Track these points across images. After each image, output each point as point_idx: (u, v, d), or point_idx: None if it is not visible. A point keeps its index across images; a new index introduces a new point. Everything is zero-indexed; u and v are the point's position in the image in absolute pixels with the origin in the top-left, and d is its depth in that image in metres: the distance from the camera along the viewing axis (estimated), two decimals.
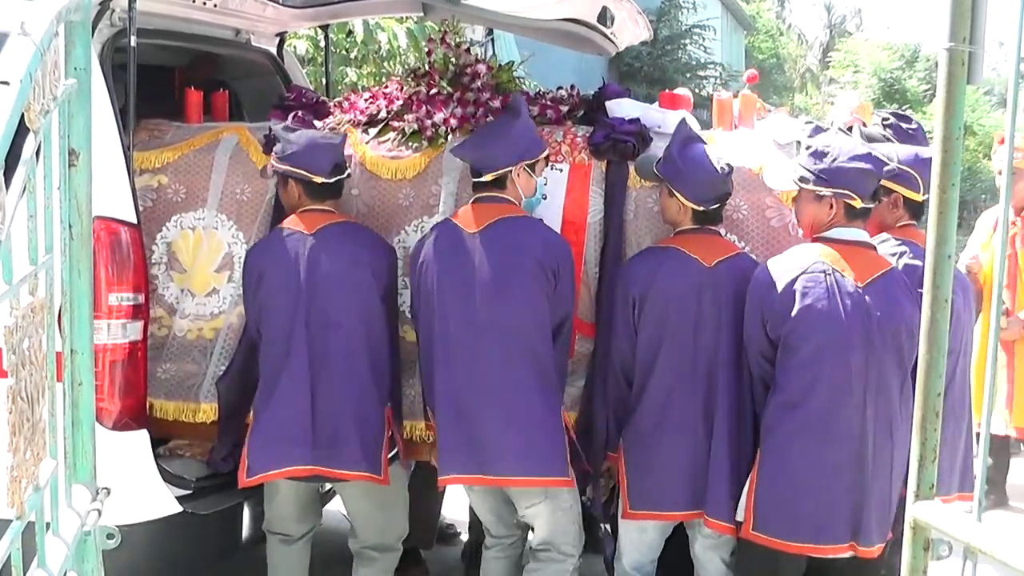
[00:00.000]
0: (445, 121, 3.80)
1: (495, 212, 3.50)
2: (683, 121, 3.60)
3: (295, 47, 6.89)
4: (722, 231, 3.54)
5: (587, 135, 3.76)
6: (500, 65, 4.03)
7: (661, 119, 3.83)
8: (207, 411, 3.83)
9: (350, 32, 8.22)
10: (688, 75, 22.78)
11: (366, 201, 3.88)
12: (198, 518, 3.70)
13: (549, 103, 3.94)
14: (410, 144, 3.86)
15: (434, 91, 3.89)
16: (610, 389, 3.51)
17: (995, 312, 1.57)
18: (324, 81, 5.35)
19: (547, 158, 3.67)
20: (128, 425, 3.53)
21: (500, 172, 3.51)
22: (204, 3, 4.23)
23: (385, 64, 8.96)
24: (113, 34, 3.74)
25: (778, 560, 3.27)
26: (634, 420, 3.46)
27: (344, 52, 8.67)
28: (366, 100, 4.02)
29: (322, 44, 5.59)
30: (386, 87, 4.06)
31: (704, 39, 24.98)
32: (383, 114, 3.94)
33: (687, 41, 24.88)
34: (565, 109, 3.93)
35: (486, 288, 3.40)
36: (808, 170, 3.31)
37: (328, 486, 4.03)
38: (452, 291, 3.42)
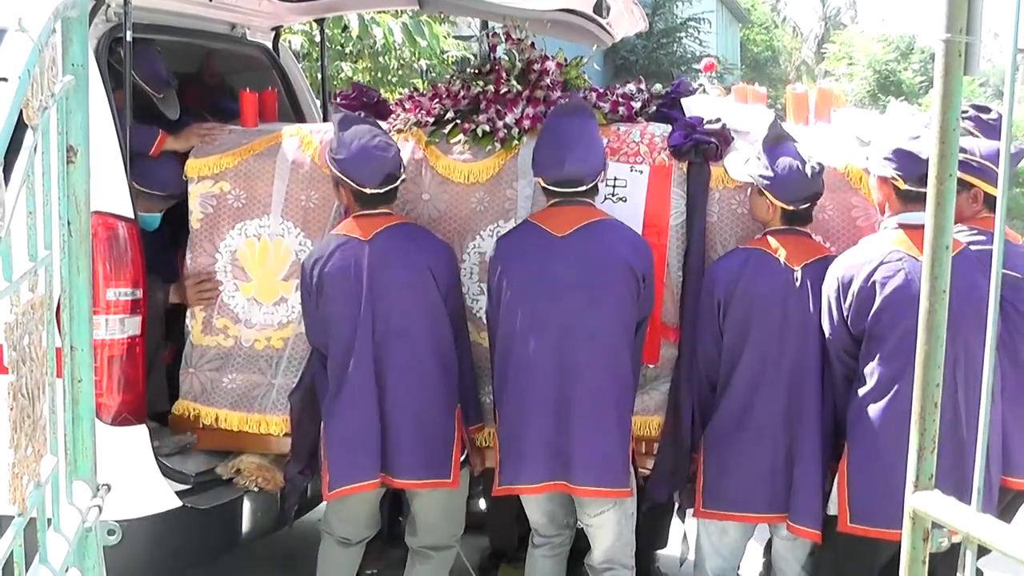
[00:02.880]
0: (517, 122, 3.71)
1: (581, 215, 3.46)
2: (775, 119, 3.51)
3: (290, 42, 6.89)
4: (810, 232, 3.48)
5: (665, 135, 3.68)
6: (567, 60, 3.95)
7: (738, 117, 3.74)
8: (274, 424, 3.82)
9: (345, 27, 8.22)
10: (684, 68, 22.80)
11: (437, 206, 3.79)
12: (198, 513, 3.70)
13: (620, 99, 3.85)
14: (482, 146, 3.76)
15: (503, 90, 3.78)
16: (695, 392, 3.48)
17: (994, 308, 1.57)
18: (320, 76, 5.34)
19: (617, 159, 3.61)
20: (127, 420, 3.53)
21: (597, 179, 3.49)
22: None
23: (380, 59, 8.97)
24: (108, 29, 3.74)
25: (878, 548, 3.24)
26: (715, 420, 3.43)
27: (339, 47, 8.68)
28: (431, 99, 3.91)
29: (317, 39, 5.57)
30: (451, 85, 3.94)
31: (699, 32, 25.03)
32: (450, 114, 3.83)
33: (682, 34, 24.94)
34: (637, 105, 3.85)
35: (577, 293, 3.37)
36: (891, 157, 3.25)
37: None
38: (540, 295, 3.39)
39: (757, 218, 3.50)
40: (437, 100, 3.88)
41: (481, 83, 3.84)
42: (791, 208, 3.39)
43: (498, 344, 3.50)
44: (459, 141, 3.80)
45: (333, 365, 3.54)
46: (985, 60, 35.87)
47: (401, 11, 7.99)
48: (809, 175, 3.36)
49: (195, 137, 4.07)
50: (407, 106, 3.96)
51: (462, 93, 3.85)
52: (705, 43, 25.51)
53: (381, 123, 3.85)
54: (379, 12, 7.85)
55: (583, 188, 3.48)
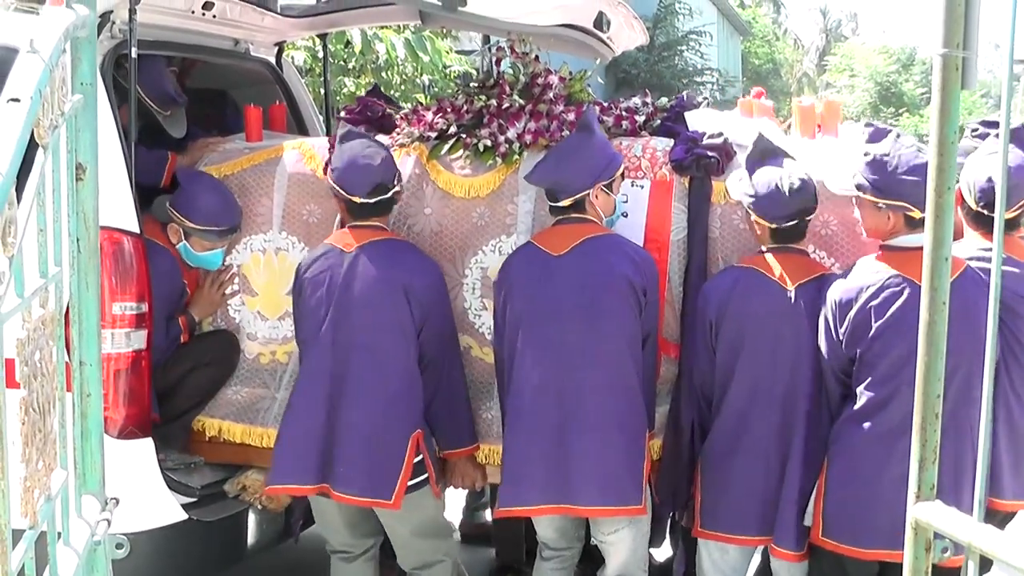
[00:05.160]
0: (519, 137, 3.69)
1: (579, 233, 3.42)
2: (760, 135, 3.46)
3: (293, 58, 6.92)
4: (810, 248, 3.43)
5: (667, 149, 3.65)
6: (571, 74, 3.93)
7: (742, 131, 3.68)
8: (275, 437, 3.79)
9: (348, 43, 8.26)
10: (685, 81, 22.90)
11: (439, 221, 3.76)
12: (203, 525, 3.71)
13: (624, 113, 3.83)
14: (483, 161, 3.74)
15: (505, 104, 3.77)
16: (693, 409, 3.45)
17: (993, 311, 1.59)
18: (323, 91, 5.37)
19: (623, 175, 3.55)
20: (133, 433, 3.54)
21: (577, 196, 3.43)
22: (203, 14, 4.25)
23: (383, 74, 9.01)
24: (114, 46, 3.76)
25: (846, 565, 3.23)
26: (710, 439, 3.40)
27: (342, 62, 8.72)
28: (435, 114, 3.89)
29: (320, 55, 5.60)
30: (455, 99, 3.92)
31: (701, 45, 25.13)
32: (453, 129, 3.82)
33: (684, 47, 25.04)
34: (641, 120, 3.83)
35: (577, 313, 3.35)
36: (866, 179, 3.20)
37: None
38: (539, 317, 3.37)
39: (756, 238, 3.43)
40: (440, 114, 3.88)
41: (484, 97, 3.84)
42: (774, 226, 3.33)
43: (504, 369, 3.48)
44: (460, 156, 3.79)
45: (301, 368, 3.61)
46: (986, 71, 35.90)
47: (403, 26, 8.03)
48: (787, 193, 3.27)
49: (198, 151, 4.10)
50: (411, 120, 3.97)
51: (465, 107, 3.85)
52: (706, 56, 25.59)
53: (385, 137, 3.86)
54: (381, 27, 7.89)
55: (562, 204, 3.45)
